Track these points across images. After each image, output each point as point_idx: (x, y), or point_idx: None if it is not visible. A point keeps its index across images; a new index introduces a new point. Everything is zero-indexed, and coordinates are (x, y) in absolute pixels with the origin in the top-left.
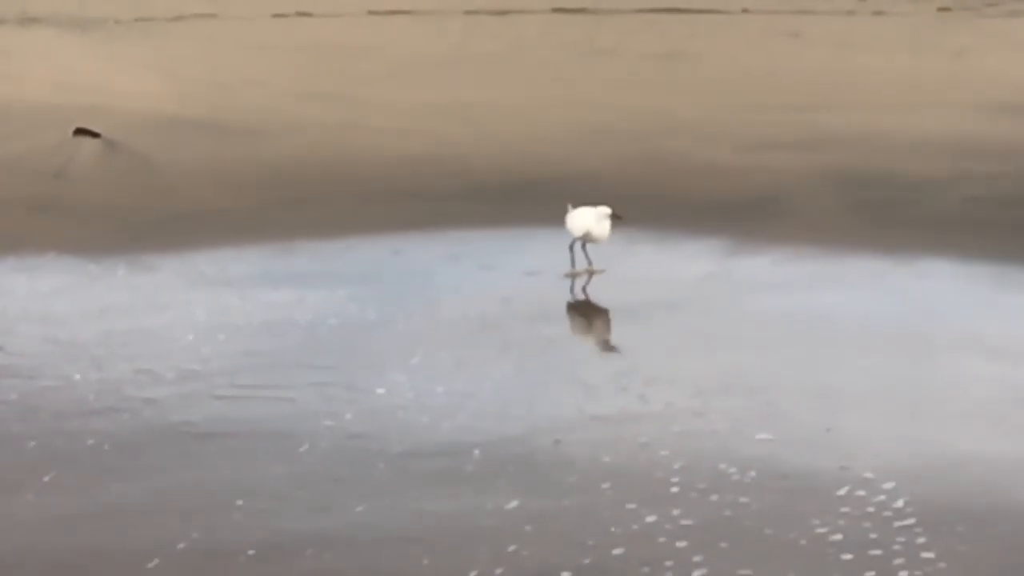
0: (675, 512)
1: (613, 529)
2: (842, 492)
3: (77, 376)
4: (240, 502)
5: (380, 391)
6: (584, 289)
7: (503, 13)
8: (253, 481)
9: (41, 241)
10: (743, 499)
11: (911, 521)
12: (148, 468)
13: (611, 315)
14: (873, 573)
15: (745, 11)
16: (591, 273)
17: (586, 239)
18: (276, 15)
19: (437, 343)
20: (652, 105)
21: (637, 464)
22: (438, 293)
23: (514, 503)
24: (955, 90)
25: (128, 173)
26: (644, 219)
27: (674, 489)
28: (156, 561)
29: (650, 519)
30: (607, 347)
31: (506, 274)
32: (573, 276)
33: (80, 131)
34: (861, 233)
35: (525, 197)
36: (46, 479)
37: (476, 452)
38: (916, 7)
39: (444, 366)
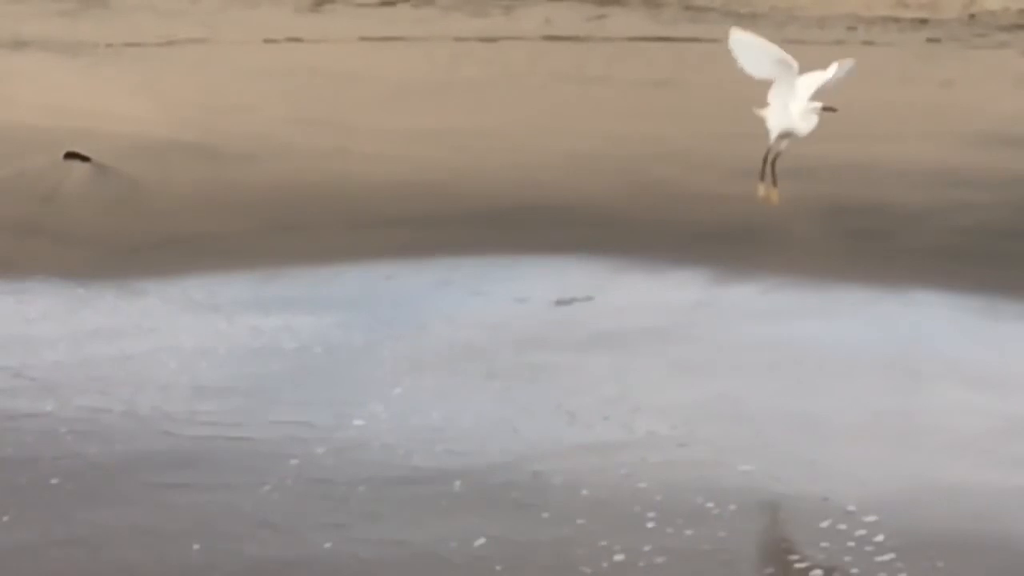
0: (646, 548)
1: (583, 568)
2: (824, 525)
3: (49, 407)
4: (201, 542)
5: (358, 422)
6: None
7: (493, 40)
8: (218, 516)
9: (29, 265)
10: (721, 533)
11: (891, 556)
12: (109, 505)
13: (597, 342)
14: None
15: None
16: (769, 199)
17: (785, 136)
18: (267, 40)
19: (422, 371)
20: (641, 132)
21: (615, 497)
22: (427, 320)
23: (482, 539)
24: (943, 120)
25: (118, 197)
26: (631, 246)
27: (650, 524)
28: None
29: (618, 557)
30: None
31: (496, 301)
32: (764, 198)
33: (70, 155)
34: (849, 262)
35: (515, 223)
36: (5, 519)
37: (457, 483)
38: (905, 37)
39: (427, 395)
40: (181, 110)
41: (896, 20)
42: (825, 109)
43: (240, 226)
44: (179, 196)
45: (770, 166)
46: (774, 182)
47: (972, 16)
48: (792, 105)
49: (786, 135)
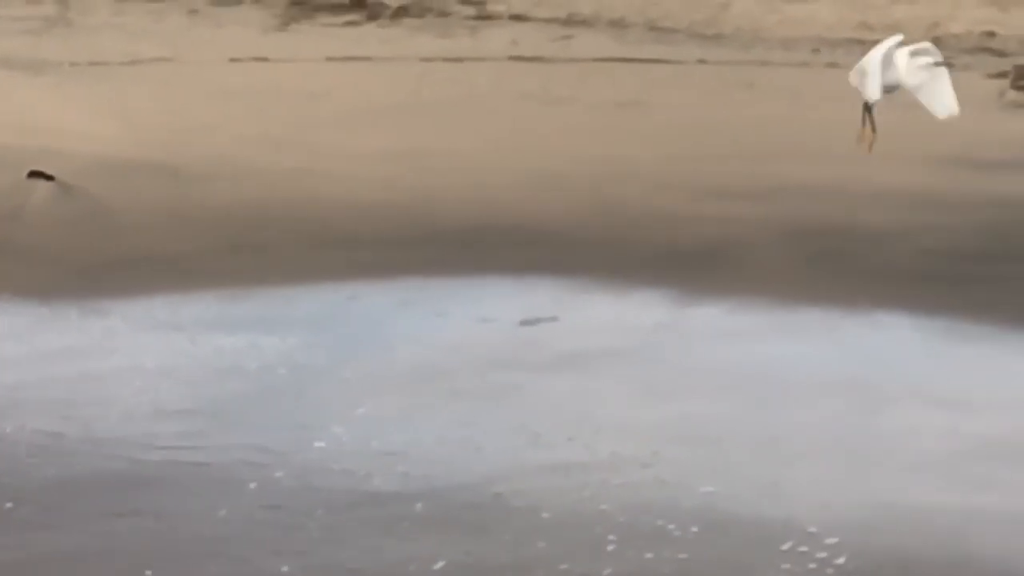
0: (607, 572)
1: None
2: (785, 547)
3: (8, 429)
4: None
5: (319, 444)
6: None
7: (459, 60)
8: (173, 542)
9: None
10: (682, 555)
11: None
12: (61, 530)
13: (561, 363)
14: None
15: (700, 61)
16: (865, 140)
17: (890, 90)
18: (232, 59)
19: (385, 392)
20: (606, 153)
21: (577, 519)
22: (390, 340)
23: (442, 563)
24: (908, 142)
25: (82, 216)
26: (596, 266)
27: (611, 547)
28: None
29: None
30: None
31: (460, 321)
32: (860, 138)
33: (34, 173)
34: (813, 284)
35: (480, 243)
36: None
37: (418, 506)
38: None
39: (390, 416)
40: (146, 129)
41: (860, 42)
42: None
43: (204, 245)
44: (143, 215)
45: (869, 115)
46: (873, 128)
47: (936, 39)
48: (898, 58)
49: (891, 89)
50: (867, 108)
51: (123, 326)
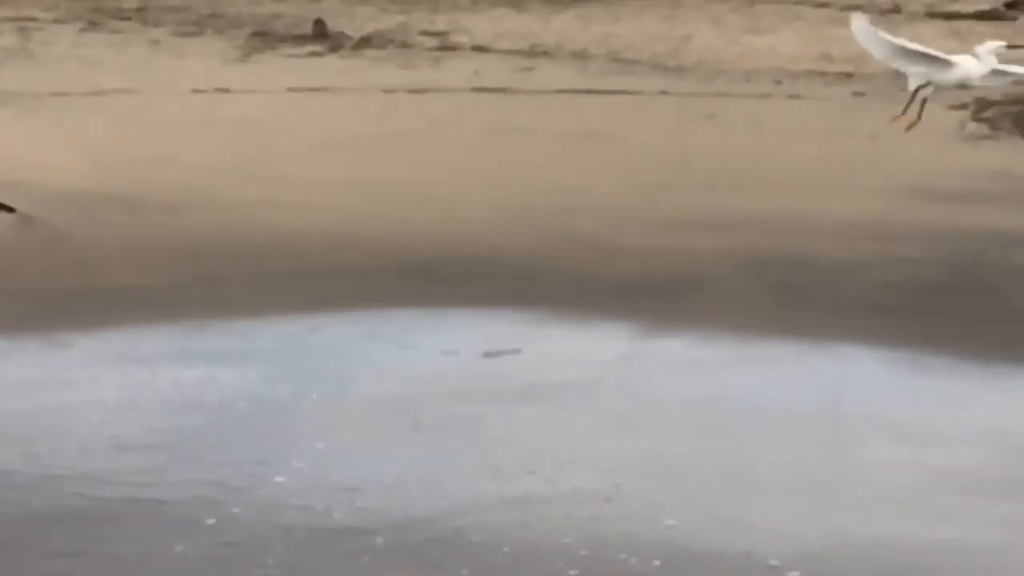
0: None
1: None
2: None
3: None
4: None
5: (279, 479)
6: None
7: (422, 91)
8: None
9: None
10: None
11: None
12: (15, 569)
13: (524, 395)
14: None
15: (663, 93)
16: (911, 124)
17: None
18: (195, 90)
19: (347, 425)
20: (569, 184)
21: (538, 553)
22: (353, 373)
23: None
24: (870, 174)
25: (43, 248)
26: (559, 299)
27: None
28: None
29: None
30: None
31: (423, 353)
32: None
33: None
34: (776, 316)
35: (443, 275)
36: None
37: (378, 540)
38: (831, 91)
39: (351, 449)
40: (107, 160)
41: (822, 74)
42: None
43: (165, 277)
44: (104, 247)
45: (919, 103)
46: (919, 115)
47: (897, 71)
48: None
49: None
50: (916, 94)
51: (84, 359)
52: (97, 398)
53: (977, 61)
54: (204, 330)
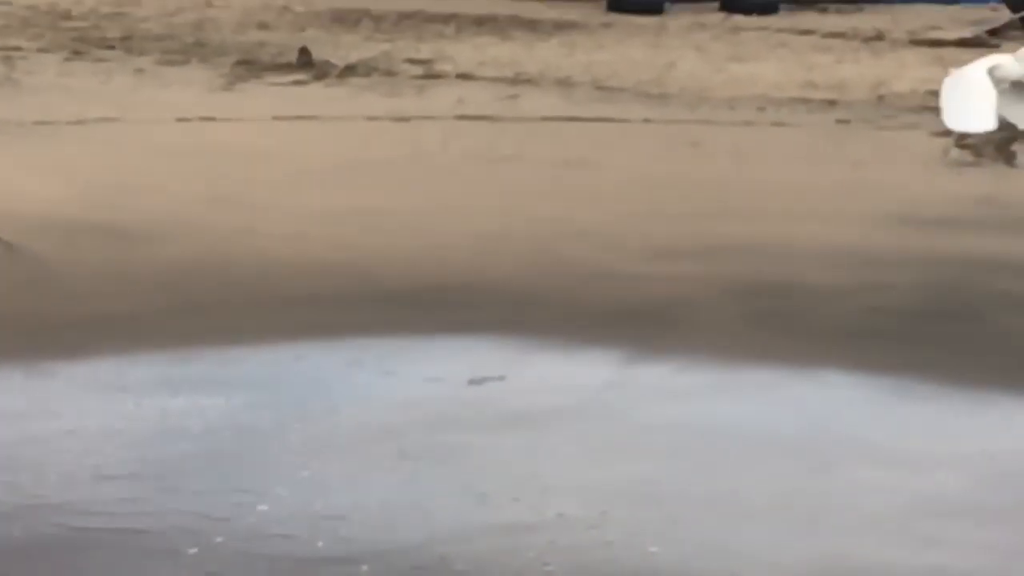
0: None
1: None
2: None
3: None
4: None
5: (262, 508)
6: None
7: (405, 119)
8: None
9: None
10: None
11: None
12: None
13: (509, 422)
14: None
15: (646, 120)
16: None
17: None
18: (179, 119)
19: (331, 453)
20: (553, 212)
21: None
22: (338, 401)
23: None
24: (853, 201)
25: (27, 277)
26: (543, 326)
27: None
28: None
29: None
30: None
31: (407, 381)
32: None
33: None
34: (760, 342)
35: (427, 303)
36: None
37: (363, 568)
38: (815, 118)
39: (335, 478)
40: (91, 189)
41: (805, 101)
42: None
43: (150, 306)
44: (88, 276)
45: None
46: None
47: (881, 97)
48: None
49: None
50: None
51: (67, 388)
52: (80, 427)
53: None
54: (188, 359)
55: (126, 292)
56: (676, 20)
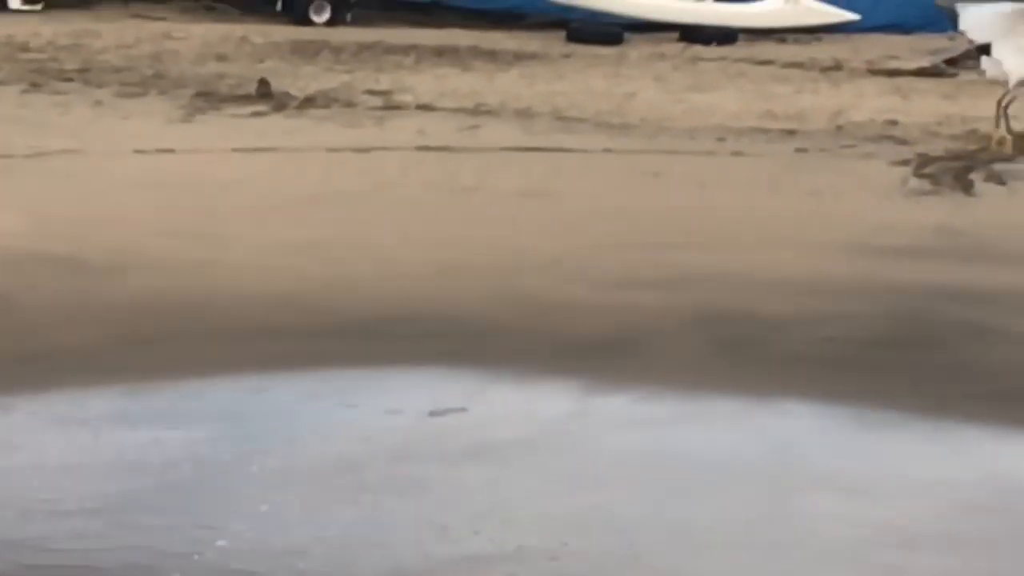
0: None
1: None
2: None
3: None
4: None
5: (221, 543)
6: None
7: (366, 151)
8: None
9: None
10: None
11: None
12: None
13: (470, 454)
14: None
15: (607, 150)
16: (1004, 144)
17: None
18: (138, 151)
19: (291, 486)
20: (514, 242)
21: None
22: (298, 433)
23: None
24: (812, 230)
25: None
26: (504, 357)
27: None
28: None
29: None
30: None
31: (368, 413)
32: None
33: None
34: (721, 372)
35: (387, 334)
36: None
37: None
38: (774, 148)
39: (295, 511)
40: (50, 222)
41: (765, 131)
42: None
43: (110, 339)
44: (48, 309)
45: (1004, 111)
46: (1008, 128)
47: (839, 127)
48: None
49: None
50: (1001, 104)
51: (26, 422)
52: (38, 462)
53: None
54: (148, 392)
55: (85, 325)
56: (636, 50)
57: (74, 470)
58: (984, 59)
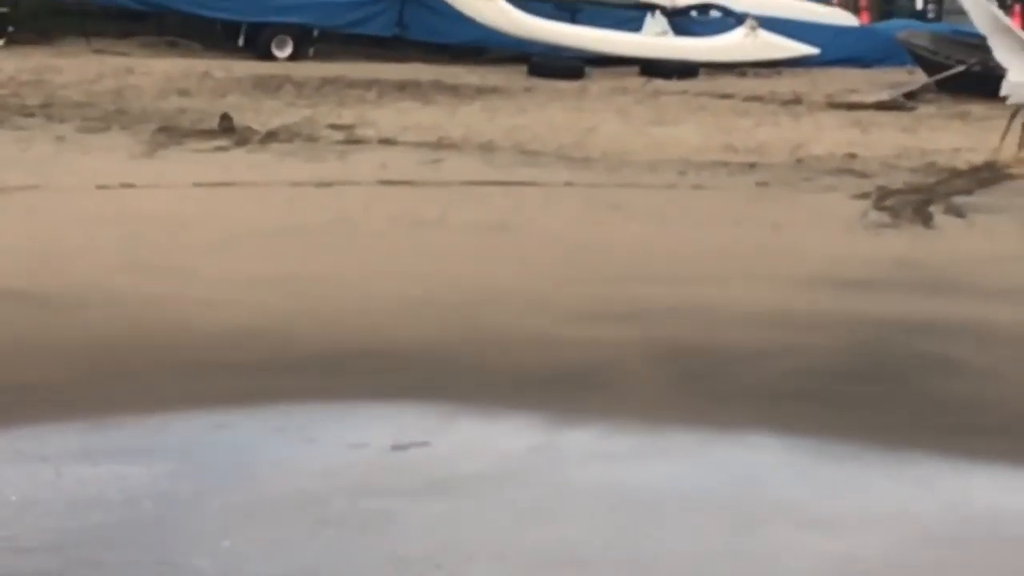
0: None
1: None
2: None
3: None
4: None
5: None
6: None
7: (329, 185)
8: None
9: None
10: None
11: None
12: None
13: (433, 488)
14: None
15: (568, 183)
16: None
17: None
18: (100, 186)
19: (253, 522)
20: (475, 276)
21: None
22: (260, 469)
23: None
24: (773, 263)
25: None
26: (467, 390)
27: None
28: None
29: None
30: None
31: (330, 447)
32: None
33: None
34: (683, 405)
35: (349, 368)
36: None
37: None
38: (735, 181)
39: (256, 547)
40: (10, 257)
41: (726, 164)
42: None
43: (70, 374)
44: (7, 344)
45: (1020, 126)
46: (1021, 143)
47: (799, 160)
48: None
49: None
50: (1014, 117)
51: None
52: None
53: None
54: (109, 427)
55: (45, 360)
56: (597, 84)
57: (34, 506)
58: (1006, 83)
